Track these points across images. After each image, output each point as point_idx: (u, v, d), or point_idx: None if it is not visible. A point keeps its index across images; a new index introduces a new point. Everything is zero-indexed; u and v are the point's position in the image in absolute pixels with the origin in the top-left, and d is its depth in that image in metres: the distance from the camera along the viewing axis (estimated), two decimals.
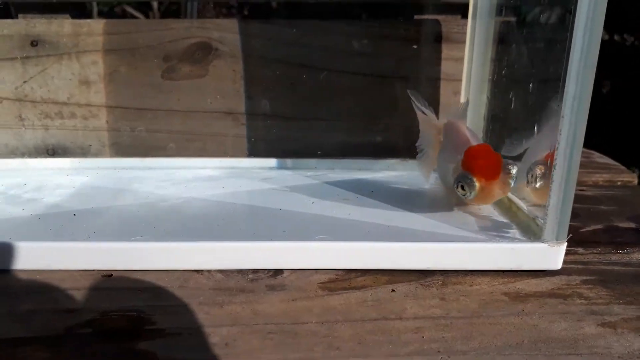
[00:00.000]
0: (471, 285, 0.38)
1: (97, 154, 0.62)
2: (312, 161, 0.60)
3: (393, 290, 0.37)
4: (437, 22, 0.60)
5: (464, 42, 0.59)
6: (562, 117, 0.37)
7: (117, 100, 0.61)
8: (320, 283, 0.37)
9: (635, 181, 0.69)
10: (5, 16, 0.60)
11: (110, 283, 0.36)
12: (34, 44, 0.59)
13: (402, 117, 0.62)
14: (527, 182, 0.44)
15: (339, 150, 0.62)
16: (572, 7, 0.35)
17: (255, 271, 0.38)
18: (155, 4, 1.40)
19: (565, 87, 0.36)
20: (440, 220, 0.45)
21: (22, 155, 0.61)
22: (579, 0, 0.34)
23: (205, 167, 0.59)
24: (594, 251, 0.45)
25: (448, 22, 0.60)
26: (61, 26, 0.59)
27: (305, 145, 0.63)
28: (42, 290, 0.35)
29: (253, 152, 0.63)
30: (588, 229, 0.49)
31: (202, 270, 0.38)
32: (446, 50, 0.61)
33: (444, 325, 0.33)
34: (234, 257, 0.38)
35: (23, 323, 0.32)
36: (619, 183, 0.67)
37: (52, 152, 0.62)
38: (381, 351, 0.30)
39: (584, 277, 0.40)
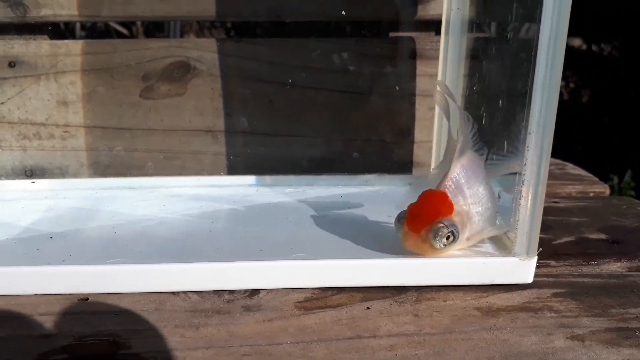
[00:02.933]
0: (444, 301, 0.38)
1: (75, 175, 0.62)
2: (291, 178, 0.61)
3: (368, 308, 0.37)
4: (412, 39, 0.62)
5: (437, 58, 0.61)
6: (529, 133, 0.38)
7: (96, 120, 0.61)
8: (297, 302, 0.38)
9: (607, 192, 0.70)
10: None
11: (86, 307, 0.36)
12: (11, 64, 0.59)
13: (378, 133, 0.63)
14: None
15: (317, 166, 0.63)
16: (537, 26, 0.36)
17: (231, 292, 0.39)
18: (138, 22, 1.40)
19: (531, 104, 0.37)
20: None
21: None
22: (542, 18, 0.36)
23: (184, 185, 0.60)
24: (565, 263, 0.46)
25: (422, 39, 0.62)
26: (39, 47, 0.59)
27: (283, 162, 0.63)
28: (17, 316, 0.35)
29: (232, 170, 0.63)
30: (560, 241, 0.50)
31: (178, 292, 0.38)
32: (420, 67, 0.62)
33: (417, 342, 0.33)
34: (210, 278, 0.38)
35: None
36: (591, 194, 0.69)
37: (30, 173, 0.62)
38: None
39: (555, 290, 0.41)
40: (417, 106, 0.63)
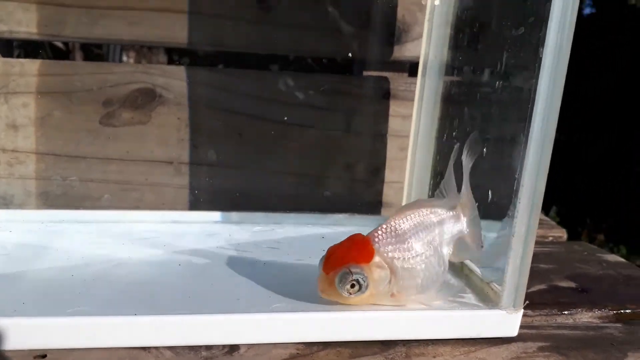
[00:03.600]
0: (434, 357, 0.37)
1: (21, 205, 0.57)
2: (259, 215, 0.58)
3: None
4: (386, 79, 0.61)
5: (410, 99, 0.61)
6: (522, 186, 0.37)
7: (49, 147, 0.56)
8: None
9: (565, 236, 0.72)
10: None
11: None
12: None
13: (349, 171, 0.62)
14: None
15: (285, 203, 0.60)
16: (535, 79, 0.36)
17: (208, 347, 0.35)
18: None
19: (525, 159, 0.37)
20: None
21: None
22: (542, 68, 0.35)
23: (143, 220, 0.56)
24: (542, 313, 0.46)
25: (395, 80, 0.61)
26: None
27: (250, 197, 0.61)
28: None
29: (194, 204, 0.60)
30: (533, 289, 0.50)
31: (149, 347, 0.35)
32: (393, 107, 0.61)
33: None
34: (185, 333, 0.35)
35: None
36: (550, 238, 0.70)
37: None
38: None
39: (539, 344, 0.40)
40: (388, 146, 0.62)
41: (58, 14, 0.54)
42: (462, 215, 0.42)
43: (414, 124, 0.58)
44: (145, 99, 0.57)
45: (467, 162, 0.41)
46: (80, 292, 0.39)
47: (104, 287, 0.40)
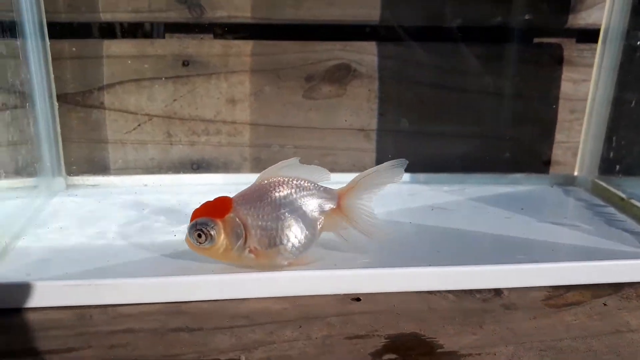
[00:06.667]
0: None
1: (237, 169, 0.65)
2: (442, 176, 0.65)
3: (605, 304, 0.42)
4: (559, 46, 0.65)
5: (582, 65, 0.65)
6: None
7: (261, 118, 0.64)
8: (542, 300, 0.42)
9: None
10: (153, 36, 0.62)
11: (364, 307, 0.40)
12: (185, 63, 0.61)
13: (523, 133, 0.67)
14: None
15: (466, 164, 0.67)
16: None
17: (478, 291, 0.43)
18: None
19: None
20: (607, 237, 0.51)
21: (168, 169, 0.64)
22: None
23: (341, 182, 0.63)
24: None
25: (567, 46, 0.65)
26: (211, 47, 0.61)
27: (433, 159, 0.67)
28: (315, 317, 0.39)
29: None
30: None
31: (435, 291, 0.43)
32: (566, 72, 0.66)
33: None
34: (463, 280, 0.43)
35: (325, 350, 0.36)
36: None
37: (197, 167, 0.64)
38: None
39: None
40: (559, 109, 0.67)
41: None
42: (339, 196, 0.46)
43: (592, 89, 0.63)
44: (342, 74, 0.64)
45: (379, 173, 0.46)
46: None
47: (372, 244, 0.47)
